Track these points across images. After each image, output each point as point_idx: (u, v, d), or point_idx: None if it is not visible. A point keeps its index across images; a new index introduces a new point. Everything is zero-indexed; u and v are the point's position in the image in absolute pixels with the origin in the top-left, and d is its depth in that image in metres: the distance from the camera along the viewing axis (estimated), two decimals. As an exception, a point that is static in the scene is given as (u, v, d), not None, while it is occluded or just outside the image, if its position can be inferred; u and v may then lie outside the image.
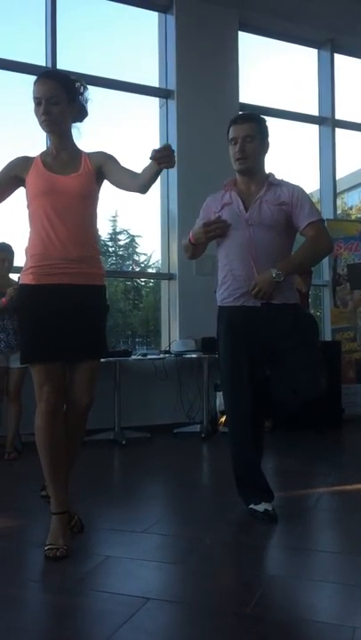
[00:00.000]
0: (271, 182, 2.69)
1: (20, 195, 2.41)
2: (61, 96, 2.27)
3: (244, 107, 5.70)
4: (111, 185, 2.38)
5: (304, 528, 2.64)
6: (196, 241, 2.73)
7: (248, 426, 2.69)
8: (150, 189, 2.24)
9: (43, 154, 2.39)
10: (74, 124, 2.41)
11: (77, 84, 2.37)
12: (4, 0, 5.35)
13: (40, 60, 5.19)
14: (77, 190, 2.29)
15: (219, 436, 4.90)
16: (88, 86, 2.43)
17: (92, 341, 2.34)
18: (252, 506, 2.68)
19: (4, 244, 4.38)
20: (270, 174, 2.73)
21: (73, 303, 2.29)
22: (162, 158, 2.06)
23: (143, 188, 2.24)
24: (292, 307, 2.68)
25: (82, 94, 2.39)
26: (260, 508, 2.64)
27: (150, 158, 2.08)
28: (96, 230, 2.42)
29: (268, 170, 2.77)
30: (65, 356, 2.32)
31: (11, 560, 2.28)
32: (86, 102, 2.41)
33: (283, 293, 2.63)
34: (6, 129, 6.05)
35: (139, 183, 2.23)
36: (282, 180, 2.72)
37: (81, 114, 2.41)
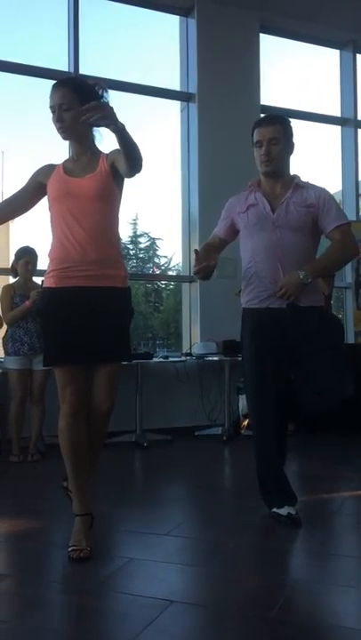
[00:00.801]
0: (298, 184, 2.68)
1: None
2: (73, 102, 2.26)
3: (266, 109, 5.68)
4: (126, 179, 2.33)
5: (328, 532, 2.62)
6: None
7: (272, 429, 2.67)
8: (138, 160, 2.12)
9: (66, 160, 2.42)
10: (96, 128, 2.39)
11: (96, 87, 2.36)
12: (26, 6, 5.43)
13: (63, 65, 5.24)
14: (93, 191, 2.29)
15: (240, 439, 4.89)
16: (110, 90, 2.43)
17: (112, 344, 2.32)
18: (275, 509, 2.67)
19: (27, 247, 4.44)
20: (296, 176, 2.73)
21: (92, 306, 2.29)
22: (97, 119, 2.00)
23: (130, 167, 2.15)
24: (318, 309, 2.67)
25: (101, 97, 2.37)
26: (284, 511, 2.62)
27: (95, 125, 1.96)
28: (117, 231, 2.40)
29: (292, 171, 2.76)
30: (85, 359, 2.33)
31: (35, 561, 2.30)
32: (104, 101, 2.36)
33: (308, 296, 2.61)
34: (32, 135, 6.12)
35: (123, 164, 2.17)
36: (307, 183, 2.72)
37: None
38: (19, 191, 2.43)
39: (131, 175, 2.22)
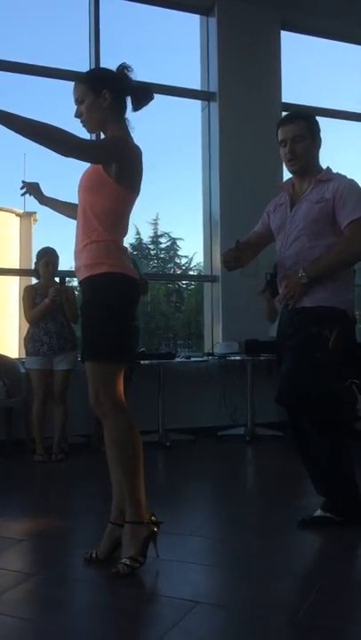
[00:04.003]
0: (319, 179, 2.55)
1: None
2: (85, 92, 2.19)
3: (288, 107, 5.63)
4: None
5: (356, 536, 2.57)
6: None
7: (299, 429, 2.62)
8: (54, 148, 1.98)
9: None
10: (127, 115, 2.26)
11: (118, 70, 2.23)
12: (48, 10, 5.46)
13: (84, 66, 5.26)
14: (83, 183, 2.21)
15: (263, 439, 4.85)
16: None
17: (83, 340, 2.22)
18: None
19: (48, 248, 4.46)
20: (323, 170, 2.61)
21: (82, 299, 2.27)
22: None
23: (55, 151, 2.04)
24: (319, 309, 2.50)
25: (119, 79, 2.22)
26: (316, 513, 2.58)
27: None
28: (104, 220, 2.14)
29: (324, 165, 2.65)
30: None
31: (59, 560, 2.31)
32: (129, 83, 2.23)
33: (315, 296, 2.50)
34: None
35: None
36: (336, 175, 2.57)
37: (137, 99, 2.24)
38: None
39: (66, 156, 2.05)
